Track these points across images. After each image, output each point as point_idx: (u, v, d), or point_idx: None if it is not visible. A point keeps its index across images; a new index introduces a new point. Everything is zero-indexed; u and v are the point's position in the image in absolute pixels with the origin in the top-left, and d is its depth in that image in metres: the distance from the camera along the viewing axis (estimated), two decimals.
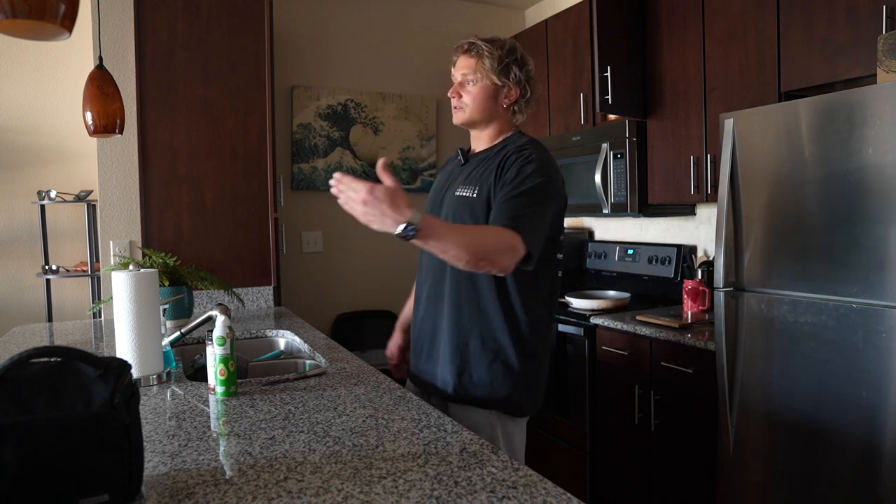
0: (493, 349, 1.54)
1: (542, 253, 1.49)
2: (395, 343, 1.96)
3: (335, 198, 1.21)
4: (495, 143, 1.64)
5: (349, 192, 1.18)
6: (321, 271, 3.76)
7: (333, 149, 3.76)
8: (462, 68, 1.61)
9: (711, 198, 2.50)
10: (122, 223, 2.81)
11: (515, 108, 1.63)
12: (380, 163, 1.25)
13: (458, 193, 1.59)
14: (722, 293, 2.03)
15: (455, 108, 1.63)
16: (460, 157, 1.70)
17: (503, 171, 1.51)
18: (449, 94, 1.64)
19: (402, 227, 1.19)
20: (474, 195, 1.55)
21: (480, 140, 1.67)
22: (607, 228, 3.56)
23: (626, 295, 2.93)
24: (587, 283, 3.50)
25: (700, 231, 2.98)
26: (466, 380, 1.55)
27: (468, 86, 1.60)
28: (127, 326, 1.57)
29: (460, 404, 1.57)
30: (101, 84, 2.12)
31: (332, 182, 1.23)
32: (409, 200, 1.19)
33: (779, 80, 2.24)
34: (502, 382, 1.53)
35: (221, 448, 1.16)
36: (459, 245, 1.31)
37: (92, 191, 3.22)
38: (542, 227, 1.47)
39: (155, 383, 1.61)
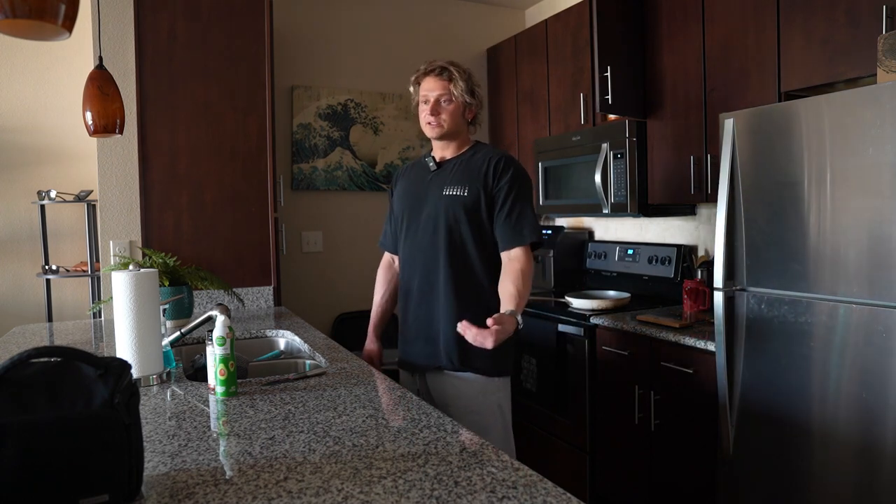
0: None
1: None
2: (371, 350, 2.14)
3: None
4: (463, 150, 1.96)
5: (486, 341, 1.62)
6: (321, 271, 3.76)
7: (333, 149, 3.76)
8: (436, 89, 1.89)
9: (711, 198, 2.50)
10: (122, 223, 2.81)
11: (474, 120, 1.97)
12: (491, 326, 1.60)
13: (446, 193, 1.90)
14: (722, 293, 2.03)
15: (431, 123, 1.90)
16: (432, 164, 1.97)
17: (496, 178, 1.87)
18: (428, 113, 1.89)
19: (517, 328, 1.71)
20: (465, 194, 1.88)
21: (448, 149, 1.97)
22: (607, 228, 3.56)
23: (626, 295, 2.93)
24: (587, 283, 3.50)
25: (700, 231, 2.98)
26: (472, 351, 1.74)
27: (443, 104, 1.89)
28: (127, 326, 1.57)
29: (463, 372, 1.86)
30: (101, 84, 2.12)
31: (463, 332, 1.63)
32: (503, 317, 1.65)
33: (779, 80, 2.24)
34: (500, 348, 1.70)
35: (221, 448, 1.16)
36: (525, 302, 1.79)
37: (92, 191, 3.22)
38: (535, 216, 1.88)
39: (155, 383, 1.61)
